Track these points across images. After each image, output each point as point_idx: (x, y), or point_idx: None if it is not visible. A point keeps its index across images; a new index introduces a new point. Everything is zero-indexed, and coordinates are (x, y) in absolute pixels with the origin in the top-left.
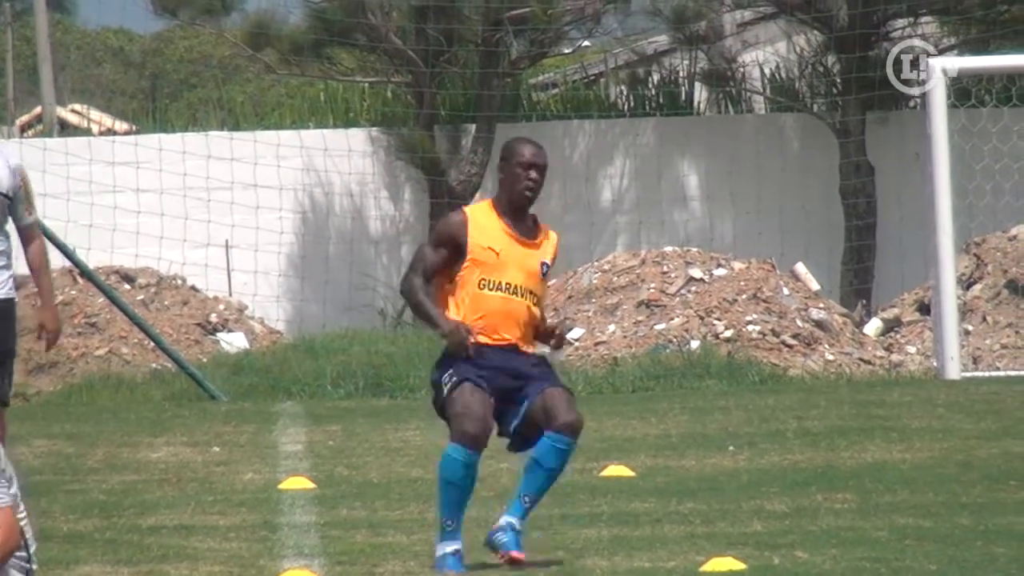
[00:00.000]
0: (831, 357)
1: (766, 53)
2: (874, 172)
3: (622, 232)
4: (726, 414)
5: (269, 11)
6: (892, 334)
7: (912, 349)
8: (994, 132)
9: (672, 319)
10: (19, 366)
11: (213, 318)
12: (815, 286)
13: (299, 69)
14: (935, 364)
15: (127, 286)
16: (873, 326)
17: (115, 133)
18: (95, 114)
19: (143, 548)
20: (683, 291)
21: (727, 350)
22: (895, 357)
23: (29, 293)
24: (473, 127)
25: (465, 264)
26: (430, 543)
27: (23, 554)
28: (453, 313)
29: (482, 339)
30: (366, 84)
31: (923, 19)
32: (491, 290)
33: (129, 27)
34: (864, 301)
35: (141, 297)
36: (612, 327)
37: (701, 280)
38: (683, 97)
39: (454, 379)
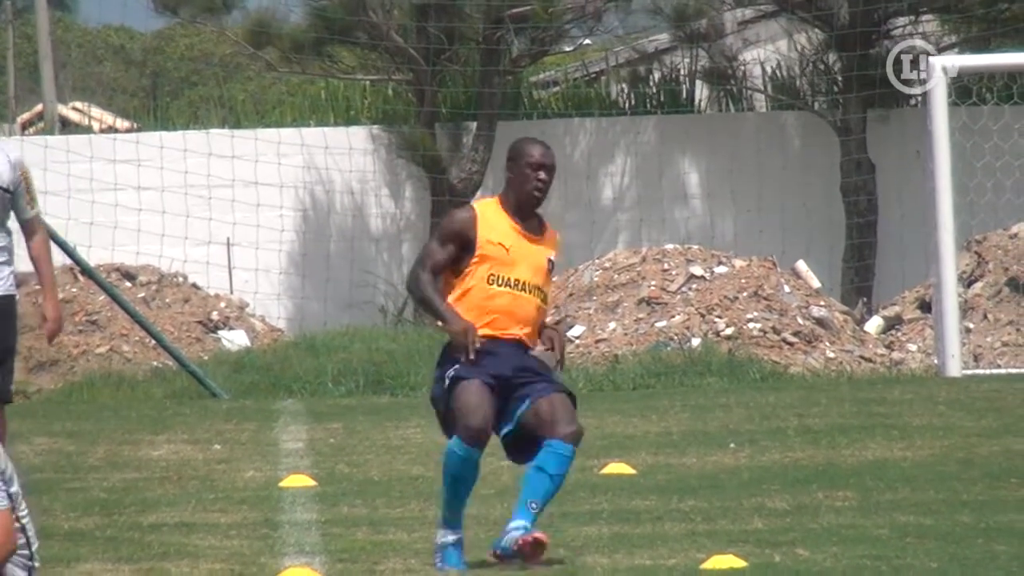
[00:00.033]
0: (832, 355)
1: (767, 51)
2: (875, 170)
3: (623, 230)
4: (727, 412)
5: (270, 9)
6: (893, 332)
7: (913, 347)
8: (995, 130)
9: (673, 317)
10: (20, 364)
11: (214, 316)
12: (816, 284)
13: (300, 67)
14: (936, 362)
15: (128, 284)
16: (874, 324)
17: (116, 131)
18: (96, 112)
19: (144, 546)
20: (684, 289)
21: (728, 348)
22: (896, 355)
23: (30, 291)
24: (474, 125)
25: (473, 259)
26: (431, 541)
27: (26, 552)
28: (459, 308)
29: (489, 332)
30: (367, 82)
31: (924, 17)
32: (500, 286)
33: (130, 25)
34: (865, 299)
35: (142, 295)
36: (613, 325)
37: (702, 278)
38: (684, 95)
39: (459, 374)
